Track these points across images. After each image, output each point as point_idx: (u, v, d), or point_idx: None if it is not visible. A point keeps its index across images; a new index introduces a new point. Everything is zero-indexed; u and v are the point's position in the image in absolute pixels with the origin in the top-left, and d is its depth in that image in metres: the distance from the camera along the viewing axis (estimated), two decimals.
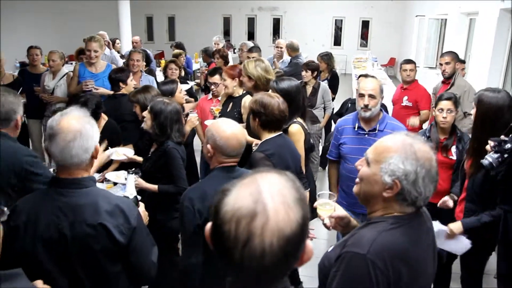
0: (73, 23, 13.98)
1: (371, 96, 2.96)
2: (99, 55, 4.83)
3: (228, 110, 3.93)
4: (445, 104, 3.26)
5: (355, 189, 1.59)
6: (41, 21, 13.33)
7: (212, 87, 4.29)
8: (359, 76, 4.50)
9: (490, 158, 2.38)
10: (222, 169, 2.20)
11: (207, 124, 3.68)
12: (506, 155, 2.34)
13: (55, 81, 5.27)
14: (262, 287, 0.92)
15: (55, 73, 5.32)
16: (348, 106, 4.59)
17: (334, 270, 1.42)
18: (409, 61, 5.17)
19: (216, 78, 4.26)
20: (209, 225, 0.95)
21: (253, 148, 3.04)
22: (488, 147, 2.43)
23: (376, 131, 2.97)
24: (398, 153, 1.40)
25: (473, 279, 2.97)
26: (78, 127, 1.70)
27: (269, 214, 0.85)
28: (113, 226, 1.70)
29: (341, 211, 1.81)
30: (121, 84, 4.06)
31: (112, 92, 4.33)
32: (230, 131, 2.17)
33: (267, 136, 2.69)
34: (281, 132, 2.74)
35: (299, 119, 3.10)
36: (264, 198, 0.87)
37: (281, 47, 6.98)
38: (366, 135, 3.01)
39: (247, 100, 3.87)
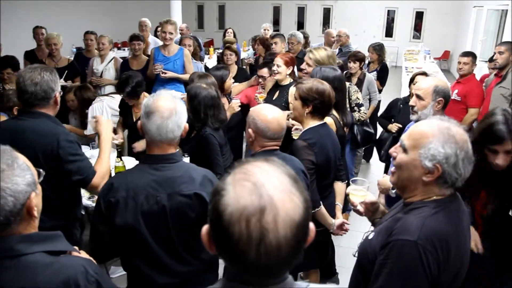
0: (125, 10, 14.38)
1: (419, 97, 2.70)
2: (174, 37, 5.05)
3: (274, 98, 3.95)
4: None
5: (392, 179, 1.61)
6: (95, 7, 13.77)
7: (260, 80, 4.30)
8: (415, 75, 4.20)
9: None
10: (264, 153, 2.27)
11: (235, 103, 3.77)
12: None
13: (104, 64, 5.52)
14: (277, 278, 0.91)
15: (103, 57, 5.57)
16: (400, 107, 4.35)
17: (382, 258, 1.46)
18: (466, 54, 4.86)
19: (264, 71, 4.25)
20: (206, 228, 0.92)
21: (292, 132, 3.07)
22: None
23: None
24: (437, 138, 1.43)
25: None
26: (173, 106, 1.85)
27: (277, 205, 0.83)
28: (206, 194, 1.86)
29: (372, 197, 1.89)
30: None
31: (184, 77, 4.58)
32: (271, 115, 2.25)
33: (311, 124, 2.68)
34: (325, 122, 2.73)
35: (334, 112, 3.07)
36: (267, 190, 0.84)
37: (333, 37, 7.05)
38: None
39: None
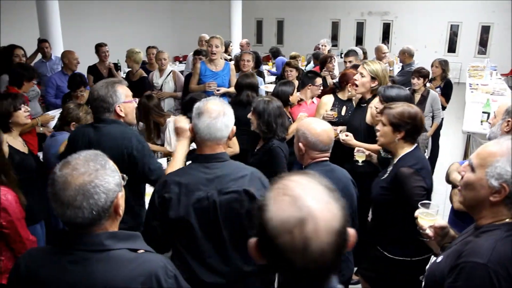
0: (188, 26, 14.87)
1: (494, 114, 2.77)
2: (220, 51, 5.12)
3: (343, 114, 4.02)
4: None
5: (459, 198, 1.58)
6: (159, 23, 14.36)
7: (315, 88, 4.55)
8: None
9: None
10: (316, 164, 2.37)
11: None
12: None
13: (163, 78, 5.76)
14: (324, 282, 0.96)
15: (162, 71, 5.80)
16: None
17: (450, 281, 1.43)
18: None
19: (319, 81, 4.56)
20: (253, 241, 0.98)
21: (355, 153, 3.07)
22: None
23: None
24: (505, 157, 1.39)
25: None
26: (222, 108, 2.01)
27: (316, 215, 0.89)
28: (255, 190, 1.97)
29: (442, 221, 1.83)
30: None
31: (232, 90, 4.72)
32: (320, 128, 2.35)
33: (406, 149, 2.58)
34: (416, 145, 2.64)
35: None
36: (305, 202, 0.90)
37: (383, 53, 7.21)
38: None
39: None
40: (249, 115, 3.23)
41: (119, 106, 2.50)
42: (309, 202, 0.90)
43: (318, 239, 0.88)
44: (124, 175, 1.45)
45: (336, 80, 5.29)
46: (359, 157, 3.08)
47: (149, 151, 2.53)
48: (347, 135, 3.28)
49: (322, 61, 6.30)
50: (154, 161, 2.52)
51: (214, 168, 1.99)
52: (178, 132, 2.61)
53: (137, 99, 2.73)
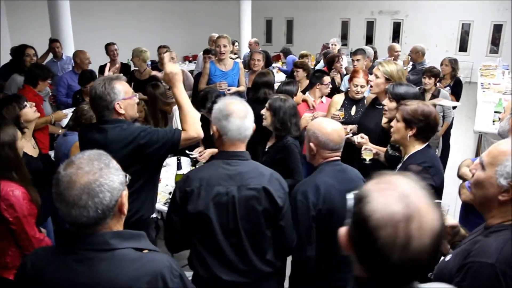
0: (197, 25, 14.89)
1: (504, 110, 2.87)
2: (228, 50, 5.14)
3: (353, 114, 3.99)
4: None
5: (470, 196, 1.58)
6: (167, 22, 14.38)
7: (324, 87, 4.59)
8: None
9: None
10: (328, 163, 2.36)
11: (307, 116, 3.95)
12: None
13: None
14: (412, 281, 0.97)
15: None
16: None
17: (458, 280, 1.42)
18: None
19: (328, 79, 4.57)
20: (345, 230, 0.99)
21: (362, 151, 3.05)
22: None
23: None
24: None
25: None
26: (245, 107, 2.06)
27: (422, 215, 0.90)
28: (273, 190, 2.01)
29: (452, 220, 1.82)
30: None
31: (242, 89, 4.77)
32: (331, 127, 2.35)
33: (417, 147, 2.58)
34: (428, 143, 2.64)
35: None
36: (413, 200, 0.91)
37: (396, 51, 7.09)
38: None
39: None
40: (263, 111, 3.23)
41: (118, 104, 2.39)
42: (416, 201, 0.92)
43: (420, 238, 0.89)
44: (127, 175, 1.44)
45: (347, 76, 5.30)
46: (367, 156, 3.08)
47: (152, 130, 2.39)
48: (362, 137, 3.24)
49: (329, 60, 6.24)
50: (163, 134, 2.37)
51: (235, 165, 2.04)
52: (170, 77, 2.43)
53: (137, 94, 2.61)
